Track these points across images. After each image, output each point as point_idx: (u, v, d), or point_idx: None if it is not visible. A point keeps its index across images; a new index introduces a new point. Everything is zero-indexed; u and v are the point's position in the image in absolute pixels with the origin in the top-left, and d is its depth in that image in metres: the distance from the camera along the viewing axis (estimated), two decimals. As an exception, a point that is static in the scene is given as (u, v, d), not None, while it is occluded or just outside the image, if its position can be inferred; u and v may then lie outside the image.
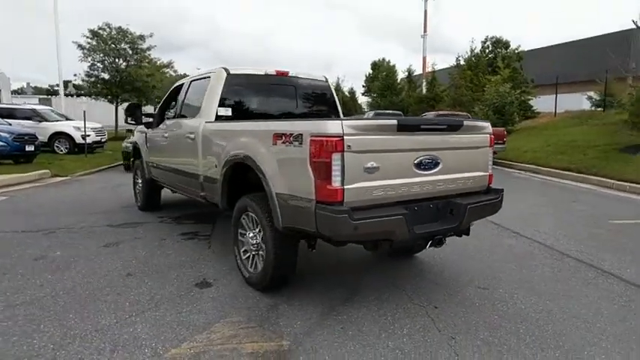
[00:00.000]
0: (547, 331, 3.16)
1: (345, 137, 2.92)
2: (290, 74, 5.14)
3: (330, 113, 5.44)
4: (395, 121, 3.17)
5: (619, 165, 10.28)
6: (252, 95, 4.93)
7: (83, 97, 31.94)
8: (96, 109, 27.47)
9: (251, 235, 3.83)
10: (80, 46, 22.53)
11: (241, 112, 4.77)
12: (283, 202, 3.30)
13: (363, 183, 3.04)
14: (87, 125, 15.43)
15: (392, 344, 2.96)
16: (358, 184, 3.02)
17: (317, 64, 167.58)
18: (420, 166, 3.34)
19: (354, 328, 3.18)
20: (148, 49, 24.45)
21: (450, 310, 3.49)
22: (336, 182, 2.94)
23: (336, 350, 2.88)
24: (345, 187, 2.96)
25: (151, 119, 6.23)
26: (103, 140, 16.94)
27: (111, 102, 24.59)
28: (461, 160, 3.62)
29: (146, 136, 6.48)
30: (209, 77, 4.84)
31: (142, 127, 7.21)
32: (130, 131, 17.78)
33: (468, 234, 3.74)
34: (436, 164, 3.42)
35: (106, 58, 22.89)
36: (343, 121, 2.96)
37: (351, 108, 61.59)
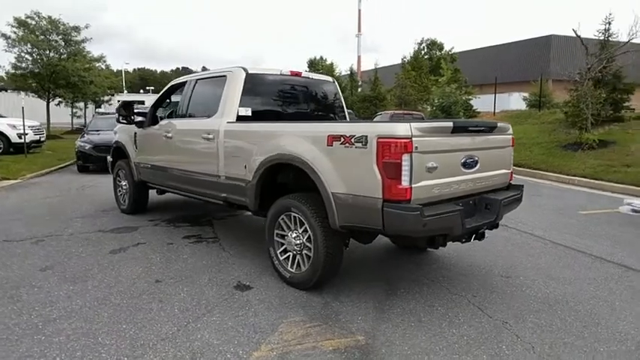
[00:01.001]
0: (580, 312, 3.52)
1: (413, 139, 3.07)
2: (303, 74, 5.18)
3: (339, 113, 5.55)
4: (451, 124, 3.37)
5: (564, 161, 11.35)
6: (269, 95, 4.91)
7: (6, 91, 29.27)
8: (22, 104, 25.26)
9: (294, 235, 3.85)
10: (4, 36, 20.64)
11: (259, 112, 4.74)
12: (340, 201, 3.38)
13: (425, 182, 3.21)
14: (24, 123, 14.20)
15: (457, 332, 3.16)
16: (422, 183, 3.18)
17: (249, 60, 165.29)
18: (465, 165, 3.56)
19: (414, 320, 3.34)
20: (83, 41, 22.94)
21: (488, 298, 3.76)
22: (405, 181, 3.08)
23: (411, 341, 3.02)
24: (412, 185, 3.11)
25: (142, 118, 5.96)
26: (42, 139, 15.68)
27: (41, 97, 22.77)
28: (493, 159, 3.90)
29: (135, 136, 6.19)
30: (224, 76, 4.75)
31: (125, 127, 6.87)
32: (81, 129, 16.61)
33: (497, 227, 4.04)
34: (476, 163, 3.66)
35: (35, 49, 21.15)
36: (411, 124, 3.10)
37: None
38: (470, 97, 20.76)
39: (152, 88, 75.13)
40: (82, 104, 30.12)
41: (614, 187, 9.28)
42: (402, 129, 3.08)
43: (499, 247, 5.23)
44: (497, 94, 23.12)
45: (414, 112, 17.27)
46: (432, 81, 21.22)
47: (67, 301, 3.59)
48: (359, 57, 76.91)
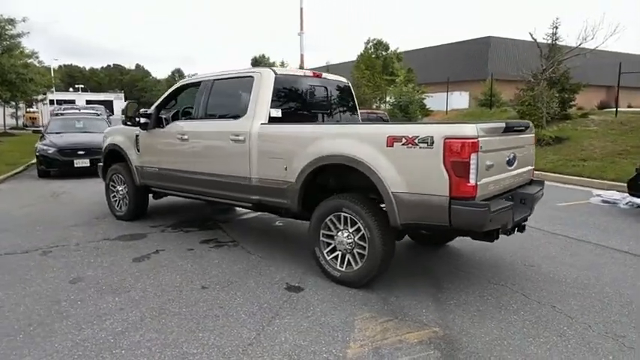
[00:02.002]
0: (610, 293, 3.89)
1: (479, 139, 3.26)
2: (323, 76, 5.25)
3: (354, 113, 5.66)
4: (503, 124, 3.61)
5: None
6: (295, 96, 4.93)
7: None
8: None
9: (345, 234, 3.93)
10: None
11: (285, 113, 4.74)
12: (401, 200, 3.51)
13: (485, 179, 3.42)
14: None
15: (518, 318, 3.40)
16: (483, 180, 3.39)
17: (182, 57, 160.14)
18: (508, 162, 3.82)
19: (474, 310, 3.54)
20: (19, 35, 21.27)
21: (525, 285, 4.05)
22: (472, 179, 3.26)
23: (482, 329, 3.22)
24: (478, 183, 3.30)
25: (145, 120, 5.73)
26: (-15, 143, 14.40)
27: (-28, 97, 20.88)
28: (524, 156, 4.20)
29: (137, 139, 5.94)
30: (250, 77, 4.71)
31: (120, 128, 6.58)
32: (38, 131, 15.34)
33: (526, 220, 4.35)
34: (515, 160, 3.94)
35: (-37, 43, 19.38)
36: (477, 125, 3.29)
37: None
38: (423, 96, 21.59)
39: (82, 86, 70.98)
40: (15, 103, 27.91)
41: (574, 180, 10.11)
42: (469, 130, 3.27)
43: (506, 239, 5.53)
44: (441, 93, 24.26)
45: (377, 112, 17.73)
46: (385, 80, 21.86)
47: (120, 312, 3.44)
48: (302, 55, 77.07)
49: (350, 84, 5.69)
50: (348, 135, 3.88)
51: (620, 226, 6.27)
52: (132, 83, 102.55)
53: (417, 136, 3.42)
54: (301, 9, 71.60)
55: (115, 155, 6.44)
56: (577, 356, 2.87)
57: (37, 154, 10.50)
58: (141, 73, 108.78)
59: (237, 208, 7.19)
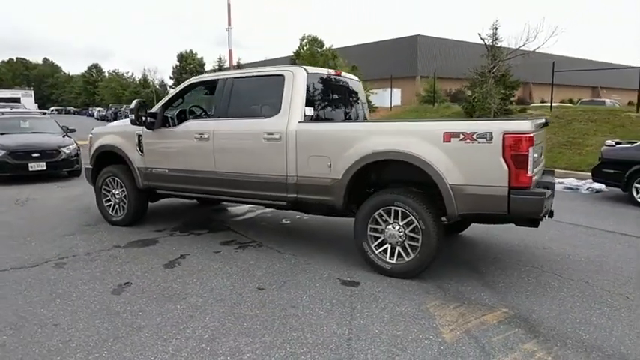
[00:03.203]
0: (624, 268, 4.40)
1: (533, 133, 3.57)
2: (342, 74, 5.34)
3: (365, 110, 5.81)
4: (544, 120, 3.97)
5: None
6: (321, 94, 4.97)
7: None
8: None
9: (397, 228, 4.08)
10: None
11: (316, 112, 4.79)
12: (459, 192, 3.74)
13: (534, 170, 3.75)
14: None
15: (571, 293, 3.77)
16: (534, 171, 3.71)
17: (97, 51, 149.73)
18: (539, 154, 4.21)
19: (524, 290, 3.87)
20: None
21: (552, 266, 4.47)
22: (529, 171, 3.57)
23: (545, 305, 3.55)
24: (531, 174, 3.62)
25: (151, 119, 5.45)
26: None
27: None
28: (542, 149, 4.62)
29: (139, 139, 5.63)
30: (280, 75, 4.69)
31: (114, 128, 6.20)
32: None
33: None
34: (542, 152, 4.33)
35: None
36: (531, 121, 3.60)
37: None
38: (369, 92, 22.19)
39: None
40: None
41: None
42: (526, 126, 3.57)
43: (511, 228, 5.88)
44: (376, 90, 25.06)
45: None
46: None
47: (193, 320, 3.33)
48: (230, 51, 75.53)
49: (360, 82, 5.83)
50: (403, 132, 4.04)
51: (592, 209, 7.04)
52: (40, 79, 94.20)
53: (475, 132, 3.66)
54: (229, 4, 69.78)
55: (108, 157, 6.05)
56: (636, 322, 3.27)
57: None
58: (49, 67, 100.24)
59: (231, 209, 7.09)
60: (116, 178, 5.96)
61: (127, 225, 5.95)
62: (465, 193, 3.73)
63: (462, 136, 3.71)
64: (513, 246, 5.13)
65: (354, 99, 5.58)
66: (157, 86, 60.30)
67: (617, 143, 7.82)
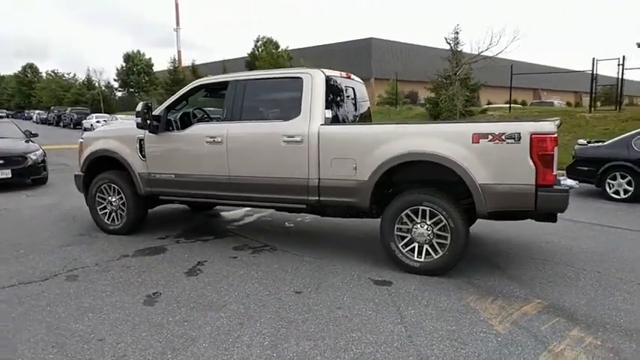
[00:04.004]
0: (626, 258, 4.74)
1: (556, 134, 3.81)
2: (351, 77, 5.41)
3: (369, 111, 5.90)
4: (559, 121, 4.22)
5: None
6: (336, 96, 5.01)
7: None
8: None
9: (425, 227, 4.20)
10: None
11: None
12: (488, 190, 3.92)
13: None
14: None
15: (590, 282, 4.04)
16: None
17: (28, 50, 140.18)
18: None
19: (546, 282, 4.11)
20: None
21: (562, 258, 4.76)
22: (554, 169, 3.81)
23: (572, 295, 3.78)
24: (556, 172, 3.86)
25: (155, 122, 5.26)
26: None
27: None
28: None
29: (141, 143, 5.41)
30: (298, 78, 4.69)
31: (108, 131, 5.93)
32: None
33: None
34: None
35: None
36: (554, 123, 3.84)
37: (112, 104, 55.72)
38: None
39: None
40: None
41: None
42: (550, 127, 3.80)
43: (526, 223, 6.06)
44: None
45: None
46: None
47: (244, 327, 3.27)
48: (179, 52, 73.60)
49: (363, 83, 5.92)
50: (432, 134, 4.16)
51: (570, 204, 7.49)
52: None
53: (504, 133, 3.85)
54: (176, 4, 67.30)
55: (105, 163, 5.77)
56: (658, 306, 3.58)
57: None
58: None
59: (225, 213, 6.98)
60: (113, 185, 5.69)
61: (126, 234, 5.70)
62: (494, 192, 3.91)
63: (490, 137, 3.89)
64: (518, 241, 5.40)
65: (362, 101, 5.66)
66: (104, 88, 57.61)
67: (588, 142, 8.41)
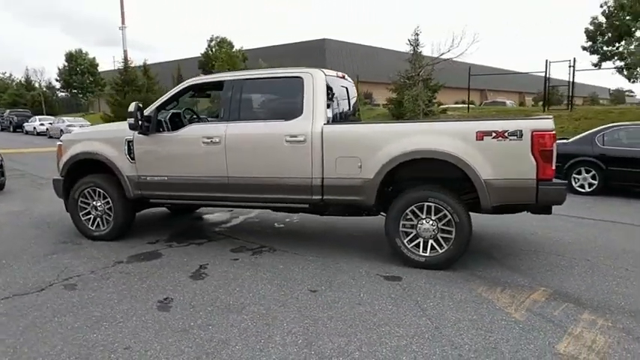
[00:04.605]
0: (619, 249, 5.01)
1: (554, 131, 4.06)
2: (345, 77, 5.47)
3: (356, 111, 5.99)
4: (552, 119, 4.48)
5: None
6: (333, 96, 5.06)
7: None
8: None
9: (430, 222, 4.34)
10: None
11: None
12: (492, 185, 4.11)
13: (552, 163, 4.25)
14: None
15: (590, 272, 4.32)
16: (552, 165, 4.21)
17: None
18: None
19: (544, 270, 4.35)
20: None
21: (553, 249, 5.06)
22: (553, 164, 4.05)
23: (576, 282, 4.04)
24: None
25: (147, 123, 5.08)
26: None
27: None
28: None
29: (129, 145, 5.21)
30: (298, 78, 4.69)
31: (92, 132, 5.67)
32: None
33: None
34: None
35: None
36: (552, 120, 4.08)
37: (54, 105, 52.70)
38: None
39: None
40: None
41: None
42: (549, 124, 4.04)
43: (523, 217, 6.49)
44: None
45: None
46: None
47: (272, 328, 3.24)
48: (125, 51, 70.57)
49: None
50: (439, 132, 4.30)
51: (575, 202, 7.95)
52: None
53: (507, 130, 4.05)
54: (121, 1, 65.59)
55: (84, 166, 5.49)
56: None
57: None
58: None
59: (209, 216, 6.84)
60: (98, 189, 5.42)
61: (112, 239, 5.45)
62: (497, 187, 4.10)
63: (494, 135, 4.07)
64: (504, 234, 5.67)
65: (354, 100, 5.74)
66: (44, 89, 54.36)
67: (552, 139, 8.94)
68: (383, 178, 4.37)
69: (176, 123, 5.40)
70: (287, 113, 4.70)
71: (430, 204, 4.31)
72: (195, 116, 5.88)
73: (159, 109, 5.20)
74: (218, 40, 40.51)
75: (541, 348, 2.93)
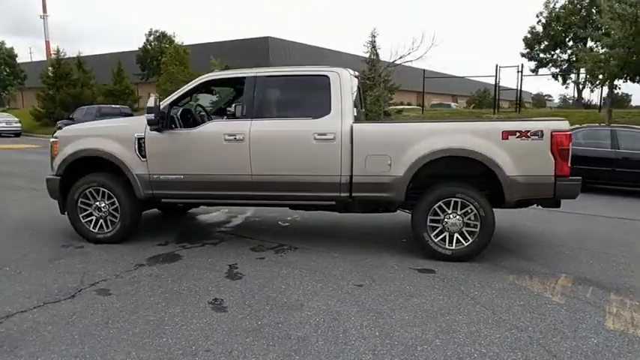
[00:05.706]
0: (616, 242, 5.55)
1: (570, 131, 4.46)
2: (357, 75, 5.58)
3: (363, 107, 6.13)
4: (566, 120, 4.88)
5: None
6: (359, 95, 5.15)
7: None
8: None
9: (456, 217, 4.58)
10: None
11: None
12: (516, 181, 4.43)
13: (563, 161, 4.65)
14: None
15: (597, 261, 4.77)
16: (565, 163, 4.61)
17: None
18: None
19: (555, 260, 4.75)
20: None
21: (555, 240, 5.51)
22: (569, 162, 4.44)
23: (585, 267, 4.45)
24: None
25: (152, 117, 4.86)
26: None
27: None
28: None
29: (140, 142, 4.97)
30: (324, 76, 4.75)
31: (94, 128, 5.34)
32: None
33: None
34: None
35: None
36: (567, 121, 4.48)
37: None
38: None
39: None
40: None
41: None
42: (566, 125, 4.43)
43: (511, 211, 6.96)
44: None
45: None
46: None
47: (346, 322, 3.29)
48: (47, 42, 65.68)
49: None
50: (465, 131, 4.53)
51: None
52: None
53: (530, 130, 4.38)
54: (41, -13, 59.96)
55: (82, 165, 5.16)
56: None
57: None
58: None
59: (204, 216, 6.69)
60: (102, 189, 5.11)
61: (118, 242, 5.16)
62: (520, 182, 4.42)
63: (518, 134, 4.39)
64: (502, 227, 6.06)
65: (363, 97, 5.87)
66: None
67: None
68: (414, 175, 4.54)
69: (189, 120, 5.22)
70: (314, 111, 4.73)
71: (457, 199, 4.54)
72: (204, 112, 5.71)
73: (172, 105, 5.01)
74: (157, 34, 38.81)
75: (593, 326, 3.24)
